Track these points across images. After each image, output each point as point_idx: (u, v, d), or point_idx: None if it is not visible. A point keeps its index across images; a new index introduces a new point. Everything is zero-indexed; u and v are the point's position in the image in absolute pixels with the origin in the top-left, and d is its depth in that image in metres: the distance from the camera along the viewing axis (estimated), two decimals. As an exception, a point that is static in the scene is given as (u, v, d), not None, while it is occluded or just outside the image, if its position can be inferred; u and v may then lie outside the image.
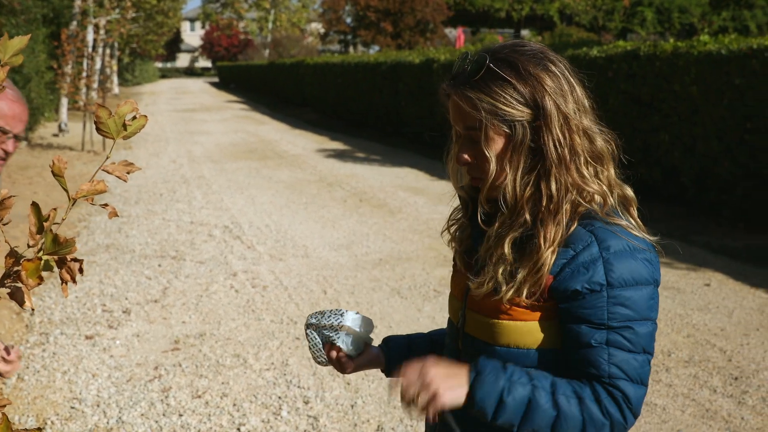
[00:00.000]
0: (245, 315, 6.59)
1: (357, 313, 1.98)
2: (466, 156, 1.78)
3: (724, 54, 9.79)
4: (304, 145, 19.99)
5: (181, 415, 4.75)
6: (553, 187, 1.71)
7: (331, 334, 1.98)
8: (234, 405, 4.91)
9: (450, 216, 1.99)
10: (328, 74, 27.60)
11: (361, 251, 8.76)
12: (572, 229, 1.72)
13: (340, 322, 1.96)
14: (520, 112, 1.70)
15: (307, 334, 2.02)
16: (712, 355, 5.74)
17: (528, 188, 1.73)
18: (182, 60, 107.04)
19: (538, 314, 1.73)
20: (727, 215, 10.23)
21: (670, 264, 8.24)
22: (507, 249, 1.75)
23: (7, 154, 2.86)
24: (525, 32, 48.57)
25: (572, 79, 1.76)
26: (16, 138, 2.86)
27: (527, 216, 1.73)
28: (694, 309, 6.76)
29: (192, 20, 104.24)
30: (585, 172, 1.74)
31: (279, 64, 39.74)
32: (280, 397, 4.99)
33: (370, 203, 11.82)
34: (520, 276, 1.73)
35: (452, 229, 1.98)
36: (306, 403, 4.91)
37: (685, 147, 10.62)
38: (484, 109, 1.70)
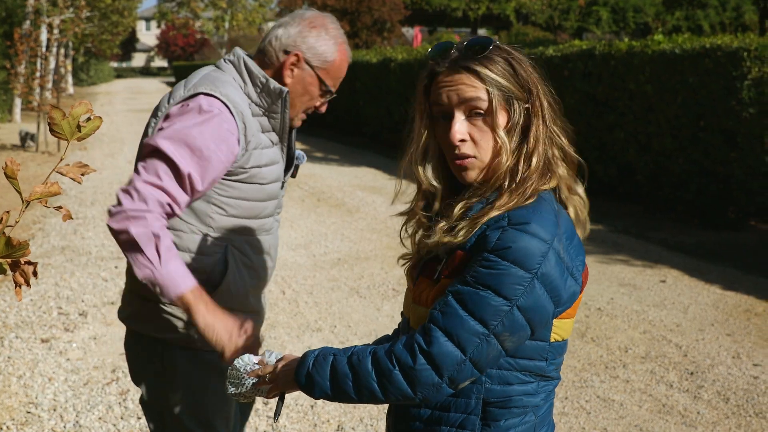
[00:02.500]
0: (204, 316, 6.53)
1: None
2: (465, 132, 1.79)
3: (678, 53, 9.91)
4: (261, 144, 19.88)
5: (139, 418, 4.71)
6: (529, 165, 1.77)
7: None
8: (193, 407, 4.87)
9: (407, 215, 2.00)
10: (285, 74, 27.51)
11: (320, 251, 8.75)
12: (530, 201, 1.75)
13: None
14: (518, 92, 1.77)
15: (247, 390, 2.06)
16: (668, 351, 5.81)
17: (507, 165, 1.78)
18: (138, 60, 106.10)
19: None
20: (681, 212, 10.36)
21: (627, 261, 8.33)
22: (457, 209, 1.79)
23: (314, 112, 2.75)
24: (481, 31, 48.77)
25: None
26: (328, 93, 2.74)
27: (495, 189, 1.78)
28: (651, 305, 6.84)
29: (147, 19, 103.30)
30: (558, 158, 1.82)
31: (236, 64, 39.46)
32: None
33: (328, 203, 11.80)
34: (458, 225, 1.77)
35: (410, 228, 1.99)
36: (266, 404, 4.88)
37: (639, 145, 10.74)
38: (494, 85, 1.76)
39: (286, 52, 2.62)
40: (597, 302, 6.87)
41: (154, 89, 54.22)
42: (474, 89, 1.76)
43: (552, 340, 1.81)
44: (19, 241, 1.51)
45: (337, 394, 1.79)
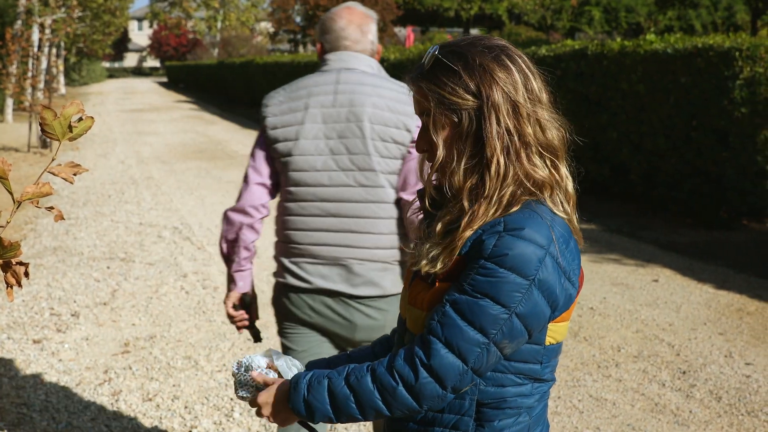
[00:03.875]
0: (196, 316, 6.53)
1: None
2: (420, 143, 1.84)
3: (670, 53, 9.93)
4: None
5: (132, 419, 4.70)
6: (492, 174, 1.72)
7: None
8: (186, 407, 4.86)
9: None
10: (278, 73, 27.47)
11: (313, 251, 8.72)
12: (512, 211, 1.72)
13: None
14: (465, 101, 1.74)
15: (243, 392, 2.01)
16: (660, 350, 5.82)
17: (471, 175, 1.75)
18: (130, 59, 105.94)
19: None
20: (674, 211, 10.38)
21: (619, 260, 8.34)
22: (439, 227, 1.78)
23: None
24: (474, 31, 48.78)
25: (529, 73, 1.78)
26: None
27: (465, 201, 1.75)
28: (643, 305, 6.84)
29: (140, 19, 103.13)
30: (536, 161, 1.76)
31: (228, 64, 39.50)
32: (232, 399, 4.95)
33: (322, 203, 11.77)
34: (435, 251, 1.76)
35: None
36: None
37: (632, 144, 10.75)
38: (432, 98, 1.76)
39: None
40: (589, 302, 6.87)
41: (147, 89, 54.16)
42: (421, 103, 1.80)
43: (547, 343, 1.80)
44: (10, 241, 1.50)
45: (341, 417, 1.77)
